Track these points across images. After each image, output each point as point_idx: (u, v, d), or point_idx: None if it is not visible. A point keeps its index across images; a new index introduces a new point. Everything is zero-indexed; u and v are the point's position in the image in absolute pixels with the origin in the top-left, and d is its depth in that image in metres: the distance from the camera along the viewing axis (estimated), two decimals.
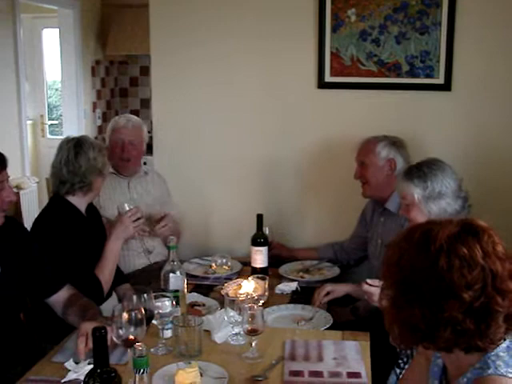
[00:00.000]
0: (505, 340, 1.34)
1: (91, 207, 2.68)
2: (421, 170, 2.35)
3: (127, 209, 2.62)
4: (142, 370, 1.46)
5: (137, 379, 1.47)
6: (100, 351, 1.44)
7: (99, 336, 1.43)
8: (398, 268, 1.33)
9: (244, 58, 3.19)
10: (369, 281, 2.19)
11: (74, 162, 2.50)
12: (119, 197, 2.96)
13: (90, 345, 1.81)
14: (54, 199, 2.57)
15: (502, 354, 1.30)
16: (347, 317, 2.56)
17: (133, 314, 1.85)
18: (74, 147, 2.53)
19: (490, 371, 1.28)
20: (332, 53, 3.09)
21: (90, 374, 1.47)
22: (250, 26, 3.16)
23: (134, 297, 1.97)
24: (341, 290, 2.51)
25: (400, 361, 2.19)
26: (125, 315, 1.84)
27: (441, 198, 2.31)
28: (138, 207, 2.67)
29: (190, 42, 3.22)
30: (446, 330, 1.27)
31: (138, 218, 2.62)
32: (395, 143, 2.78)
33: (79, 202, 2.56)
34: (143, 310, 1.89)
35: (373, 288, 2.17)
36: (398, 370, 2.17)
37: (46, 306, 2.28)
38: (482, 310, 1.26)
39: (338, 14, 3.05)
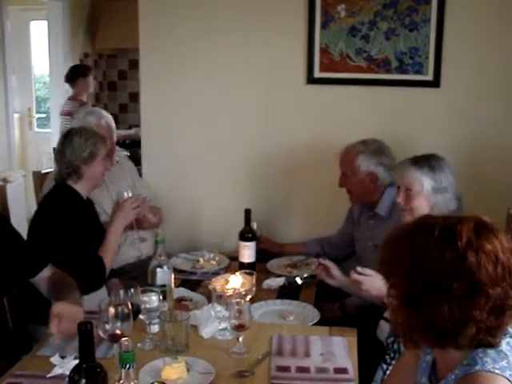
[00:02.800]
0: None
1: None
2: (428, 162, 2.34)
3: (126, 196, 2.66)
4: (128, 365, 1.45)
5: (123, 374, 1.46)
6: (85, 346, 1.43)
7: (85, 331, 1.42)
8: (414, 264, 1.29)
9: (233, 53, 3.18)
10: (359, 269, 2.18)
11: (60, 151, 2.60)
12: (97, 197, 2.89)
13: (63, 327, 1.87)
14: (58, 186, 2.64)
15: (489, 350, 1.30)
16: (335, 313, 2.56)
17: (119, 309, 1.84)
18: (63, 137, 2.64)
19: (477, 367, 1.28)
20: (321, 48, 3.09)
21: (75, 369, 1.46)
22: (239, 22, 3.15)
23: (121, 291, 1.96)
24: (332, 282, 2.49)
25: (387, 356, 2.19)
26: (111, 310, 1.84)
27: (446, 192, 2.32)
28: (137, 195, 2.72)
29: (178, 37, 3.21)
30: (472, 327, 1.26)
31: (138, 206, 2.66)
32: (376, 153, 2.74)
33: (79, 188, 2.62)
34: (130, 305, 1.88)
35: (362, 277, 2.17)
36: (384, 366, 2.18)
37: (33, 288, 2.30)
38: (501, 306, 1.26)
39: (328, 9, 3.05)
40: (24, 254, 2.25)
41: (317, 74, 3.12)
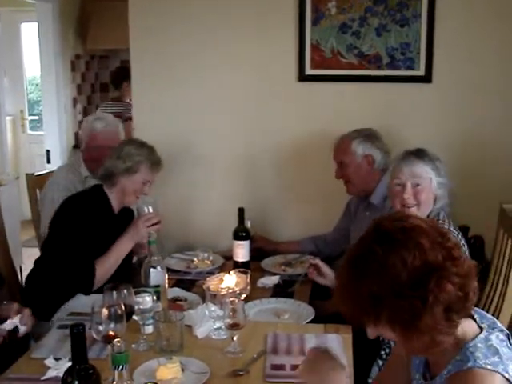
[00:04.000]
0: (481, 330, 1.35)
1: (128, 212, 2.73)
2: (427, 156, 2.34)
3: (145, 211, 2.59)
4: (121, 367, 1.45)
5: (116, 375, 1.45)
6: (78, 348, 1.43)
7: (77, 333, 1.41)
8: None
9: (223, 52, 3.17)
10: None
11: (110, 155, 2.62)
12: None
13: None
14: (94, 187, 2.66)
15: (479, 345, 1.30)
16: (329, 310, 2.56)
17: (112, 310, 1.83)
18: (123, 141, 2.73)
19: (469, 364, 1.28)
20: (312, 45, 3.08)
21: (68, 371, 1.46)
22: (229, 20, 3.14)
23: (114, 292, 1.95)
24: (323, 281, 2.49)
25: (382, 352, 2.20)
26: (104, 311, 1.83)
27: (446, 185, 2.34)
28: (156, 212, 2.64)
29: (169, 36, 3.20)
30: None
31: (155, 223, 2.57)
32: (369, 137, 2.78)
33: (113, 197, 2.62)
34: (123, 306, 1.87)
35: None
36: (380, 362, 2.19)
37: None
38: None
39: (318, 6, 3.05)
40: None
41: (308, 71, 3.11)
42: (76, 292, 2.50)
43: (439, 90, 3.04)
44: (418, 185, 2.33)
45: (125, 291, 1.97)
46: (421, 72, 3.03)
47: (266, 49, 3.13)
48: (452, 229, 2.26)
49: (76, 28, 5.90)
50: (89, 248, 2.49)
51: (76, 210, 2.53)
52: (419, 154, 2.36)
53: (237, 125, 3.23)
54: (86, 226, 2.50)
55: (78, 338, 1.41)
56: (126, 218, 2.71)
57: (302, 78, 3.12)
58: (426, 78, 3.03)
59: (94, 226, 2.52)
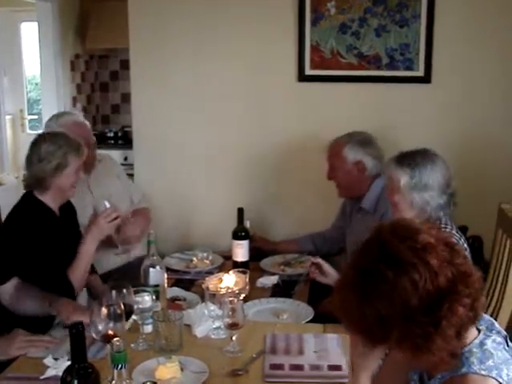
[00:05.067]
0: (479, 332, 1.34)
1: (68, 207, 2.58)
2: (413, 159, 2.32)
3: (103, 208, 2.51)
4: (120, 366, 1.45)
5: (115, 374, 1.46)
6: (77, 347, 1.43)
7: (76, 332, 1.41)
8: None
9: (224, 51, 3.18)
10: None
11: (27, 158, 2.41)
12: (81, 201, 2.75)
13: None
14: (25, 196, 2.46)
15: (475, 349, 1.30)
16: (326, 307, 2.57)
17: (111, 309, 1.84)
18: (32, 142, 2.44)
19: (463, 370, 1.27)
20: (312, 46, 3.09)
21: (67, 371, 1.46)
22: (229, 20, 3.15)
23: (113, 292, 1.95)
24: (325, 280, 2.50)
25: None
26: (103, 310, 1.83)
27: (425, 190, 2.29)
28: (114, 207, 2.55)
29: (168, 35, 3.21)
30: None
31: (115, 218, 2.50)
32: (362, 142, 2.76)
33: (47, 200, 2.43)
34: (122, 305, 1.87)
35: None
36: (380, 361, 2.18)
37: None
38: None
39: (318, 7, 3.05)
40: None
41: (308, 71, 3.12)
42: None
43: (438, 90, 3.05)
44: (390, 187, 2.38)
45: (124, 290, 1.97)
46: (420, 72, 3.04)
47: (266, 49, 3.14)
48: (454, 232, 2.26)
49: (76, 28, 5.90)
50: (52, 260, 2.37)
51: (22, 228, 2.36)
52: (398, 156, 2.37)
53: (236, 125, 3.24)
54: (38, 240, 2.35)
55: (77, 337, 1.42)
56: (67, 213, 2.57)
57: (302, 78, 3.13)
58: (426, 79, 3.03)
59: (44, 237, 2.37)
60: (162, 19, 3.19)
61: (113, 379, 1.47)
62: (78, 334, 1.41)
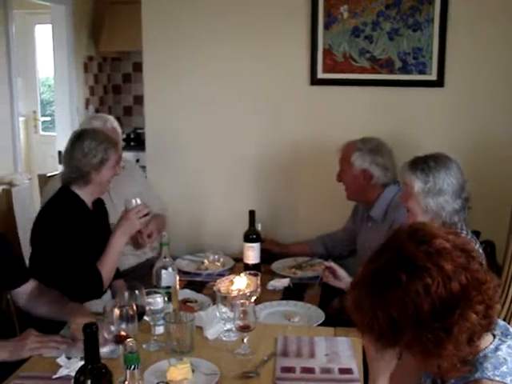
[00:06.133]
0: (494, 337, 1.34)
1: (100, 202, 2.67)
2: (426, 164, 2.32)
3: (134, 204, 2.54)
4: (132, 366, 1.46)
5: (128, 375, 1.46)
6: (91, 347, 1.44)
7: (90, 332, 1.43)
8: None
9: (237, 54, 3.19)
10: None
11: (69, 153, 2.49)
12: None
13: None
14: (61, 190, 2.55)
15: (489, 355, 1.29)
16: (335, 307, 2.58)
17: (124, 310, 1.85)
18: (74, 138, 2.52)
19: (477, 375, 1.27)
20: (325, 49, 3.09)
21: (80, 370, 1.47)
22: (242, 22, 3.16)
23: (126, 293, 1.97)
24: (338, 284, 2.50)
25: None
26: (116, 311, 1.84)
27: (440, 194, 2.29)
28: (144, 203, 2.59)
29: (181, 38, 3.22)
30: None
31: (145, 215, 2.54)
32: (373, 151, 2.75)
33: (84, 194, 2.52)
34: (135, 306, 1.88)
35: None
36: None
37: None
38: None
39: (331, 10, 3.06)
40: (10, 265, 2.25)
41: (320, 74, 3.12)
42: (86, 300, 2.42)
43: (451, 94, 3.04)
44: (404, 193, 2.39)
45: (136, 292, 1.98)
46: (433, 76, 3.03)
47: (279, 52, 3.14)
48: (469, 237, 2.25)
49: (89, 30, 5.94)
50: (84, 253, 2.44)
51: (57, 220, 2.45)
52: (412, 162, 2.38)
53: (249, 127, 3.24)
54: (72, 232, 2.43)
55: (91, 337, 1.43)
56: (100, 208, 2.67)
57: (314, 81, 3.13)
58: (438, 83, 3.03)
59: (78, 230, 2.45)
60: (176, 21, 3.21)
61: (125, 380, 1.48)
62: (91, 335, 1.42)
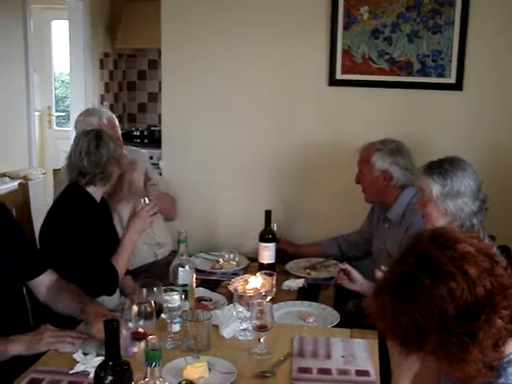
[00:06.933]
0: None
1: (103, 198, 2.70)
2: (442, 167, 2.32)
3: (143, 204, 2.59)
4: (154, 363, 1.46)
5: (148, 372, 1.47)
6: (112, 343, 1.44)
7: (111, 328, 1.43)
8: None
9: (255, 53, 3.19)
10: (384, 268, 2.17)
11: (95, 153, 2.51)
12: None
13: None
14: (71, 188, 2.57)
15: None
16: (349, 310, 2.57)
17: (142, 307, 1.85)
18: (95, 138, 2.53)
19: (500, 381, 1.26)
20: (344, 50, 3.08)
21: (101, 367, 1.47)
22: (261, 22, 3.15)
23: (144, 290, 1.97)
24: (353, 286, 2.50)
25: None
26: (135, 308, 1.85)
27: (458, 196, 2.29)
28: (155, 203, 2.64)
29: (200, 38, 3.22)
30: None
31: (155, 213, 2.62)
32: (393, 152, 2.74)
33: (96, 191, 2.58)
34: (153, 303, 1.89)
35: None
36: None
37: None
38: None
39: (351, 11, 3.05)
40: (27, 254, 2.27)
41: (338, 75, 3.11)
42: (98, 295, 2.44)
43: (470, 97, 3.03)
44: (422, 199, 2.38)
45: (155, 289, 1.99)
46: (452, 79, 3.02)
47: (297, 52, 3.13)
48: (486, 241, 2.25)
49: (106, 27, 5.96)
50: (97, 248, 2.49)
51: (70, 217, 2.49)
52: (427, 166, 2.37)
53: (266, 127, 3.24)
54: (85, 228, 2.48)
55: (112, 333, 1.43)
56: (104, 202, 2.71)
57: (333, 82, 3.12)
58: (457, 86, 3.01)
59: (91, 226, 2.51)
60: (194, 21, 3.21)
61: (145, 377, 1.48)
62: (113, 331, 1.43)
